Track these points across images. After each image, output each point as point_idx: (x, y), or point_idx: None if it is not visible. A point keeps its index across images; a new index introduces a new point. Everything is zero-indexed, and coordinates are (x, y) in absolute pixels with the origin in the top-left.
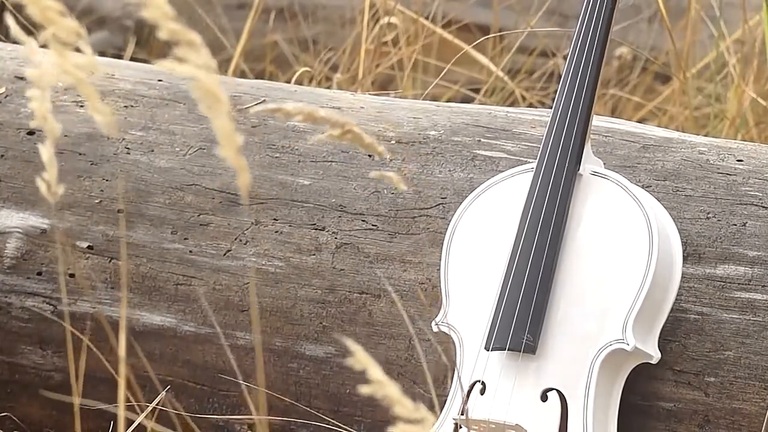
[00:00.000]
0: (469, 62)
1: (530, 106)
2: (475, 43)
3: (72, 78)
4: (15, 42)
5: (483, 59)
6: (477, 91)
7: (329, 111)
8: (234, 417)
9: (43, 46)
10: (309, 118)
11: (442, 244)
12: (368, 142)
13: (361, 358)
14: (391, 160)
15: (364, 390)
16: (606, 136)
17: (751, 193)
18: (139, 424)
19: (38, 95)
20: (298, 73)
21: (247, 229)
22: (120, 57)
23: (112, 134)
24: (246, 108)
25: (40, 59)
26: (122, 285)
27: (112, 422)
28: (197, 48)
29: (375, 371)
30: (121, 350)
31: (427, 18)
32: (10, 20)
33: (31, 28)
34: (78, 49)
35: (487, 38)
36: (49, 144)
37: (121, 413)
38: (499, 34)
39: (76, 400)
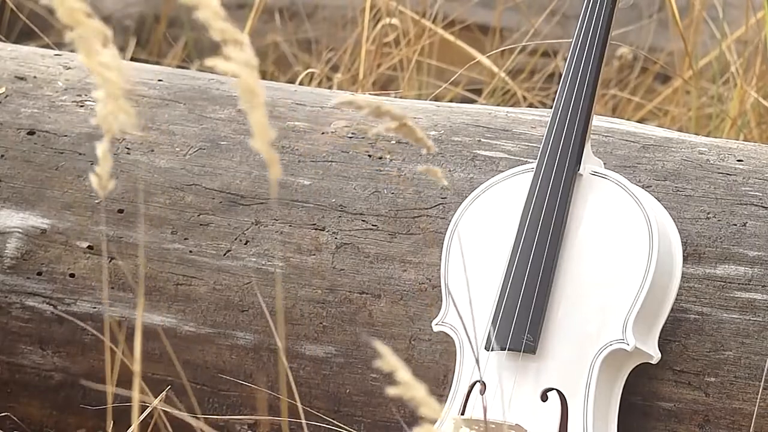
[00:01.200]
0: (469, 62)
1: (530, 106)
2: (489, 54)
3: (100, 77)
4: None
5: (487, 62)
6: (476, 91)
7: (391, 105)
8: (234, 417)
9: (45, 45)
10: (375, 113)
11: (442, 244)
12: (419, 137)
13: (389, 360)
14: (391, 160)
15: (391, 391)
16: (606, 136)
17: (751, 193)
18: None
19: (102, 97)
20: (301, 76)
21: (247, 229)
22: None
23: (134, 133)
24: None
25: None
26: (139, 285)
27: (112, 422)
28: (243, 47)
29: (403, 373)
30: (137, 351)
31: (426, 17)
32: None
33: (34, 27)
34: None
35: (504, 48)
36: (106, 141)
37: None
38: (511, 46)
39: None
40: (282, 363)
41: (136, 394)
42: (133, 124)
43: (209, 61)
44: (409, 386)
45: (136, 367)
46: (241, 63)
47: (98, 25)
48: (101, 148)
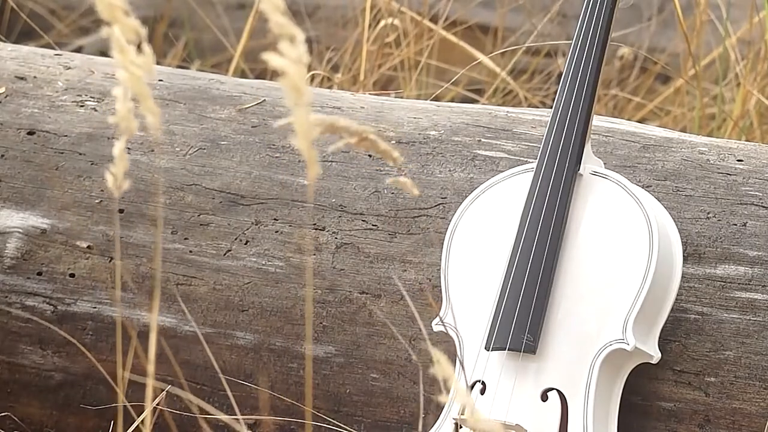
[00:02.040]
0: (469, 62)
1: (531, 106)
2: (491, 55)
3: (128, 74)
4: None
5: (490, 63)
6: (477, 91)
7: (348, 121)
8: (234, 417)
9: (46, 45)
10: (329, 129)
11: (442, 244)
12: (383, 149)
13: (444, 367)
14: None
15: (442, 399)
16: (606, 136)
17: (752, 193)
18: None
19: (122, 96)
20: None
21: (248, 229)
22: None
23: (157, 136)
24: (246, 108)
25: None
26: (155, 287)
27: (112, 422)
28: (296, 43)
29: (457, 382)
30: (151, 353)
31: (427, 17)
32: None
33: (35, 27)
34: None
35: (505, 50)
36: (123, 141)
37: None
38: (513, 47)
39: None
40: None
41: (149, 392)
42: (158, 125)
43: (264, 55)
44: (461, 394)
45: (150, 367)
46: (291, 59)
47: (135, 24)
48: (118, 147)
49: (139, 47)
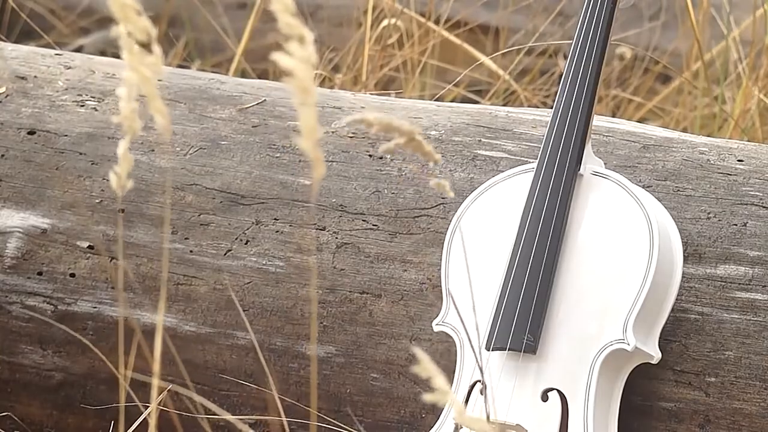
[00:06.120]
0: (470, 63)
1: (531, 106)
2: (493, 56)
3: (138, 75)
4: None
5: (492, 65)
6: (478, 92)
7: (401, 121)
8: (234, 417)
9: (46, 45)
10: (385, 129)
11: (443, 244)
12: (427, 150)
13: (426, 366)
14: (391, 160)
15: (427, 398)
16: (606, 136)
17: (752, 193)
18: (140, 423)
19: (126, 95)
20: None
21: (248, 229)
22: (120, 57)
23: (166, 137)
24: (247, 108)
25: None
26: (162, 288)
27: (112, 422)
28: (305, 44)
29: (439, 380)
30: (157, 351)
31: (428, 18)
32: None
33: (36, 28)
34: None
35: (511, 49)
36: (127, 140)
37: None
38: (515, 47)
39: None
40: (312, 366)
41: (154, 393)
42: (167, 125)
43: (273, 56)
44: (445, 393)
45: (156, 366)
46: (300, 60)
47: (146, 24)
48: (122, 147)
49: (147, 47)
